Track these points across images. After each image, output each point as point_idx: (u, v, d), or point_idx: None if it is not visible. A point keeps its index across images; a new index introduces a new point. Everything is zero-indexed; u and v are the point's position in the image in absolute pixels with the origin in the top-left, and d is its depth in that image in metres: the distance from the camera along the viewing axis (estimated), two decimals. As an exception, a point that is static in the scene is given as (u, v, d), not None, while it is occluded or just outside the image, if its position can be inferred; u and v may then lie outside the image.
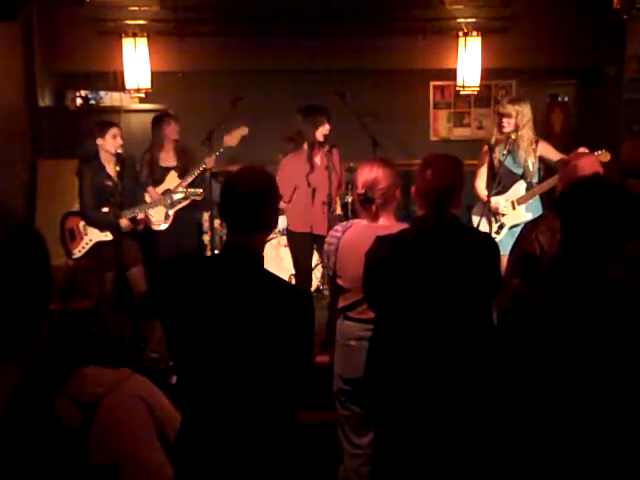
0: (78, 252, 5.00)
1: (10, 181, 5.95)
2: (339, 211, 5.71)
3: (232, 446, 2.12)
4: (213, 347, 2.11)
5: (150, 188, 5.28)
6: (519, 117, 4.63)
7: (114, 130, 4.90)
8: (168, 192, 5.20)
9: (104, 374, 2.71)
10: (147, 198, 5.26)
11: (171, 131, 5.29)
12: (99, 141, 4.89)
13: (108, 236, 4.91)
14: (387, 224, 2.98)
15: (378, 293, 2.66)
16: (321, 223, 4.69)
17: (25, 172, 6.27)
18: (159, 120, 5.36)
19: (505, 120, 4.64)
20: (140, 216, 5.04)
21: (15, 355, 1.08)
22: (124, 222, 4.90)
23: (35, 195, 6.22)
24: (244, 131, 5.25)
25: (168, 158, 5.35)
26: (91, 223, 4.97)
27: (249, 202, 2.14)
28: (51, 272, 1.13)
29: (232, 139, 5.23)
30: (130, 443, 2.60)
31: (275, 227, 2.31)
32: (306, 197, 4.75)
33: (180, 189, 5.15)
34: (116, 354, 2.83)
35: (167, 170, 5.31)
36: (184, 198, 5.15)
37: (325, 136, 4.72)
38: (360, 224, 3.05)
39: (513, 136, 4.60)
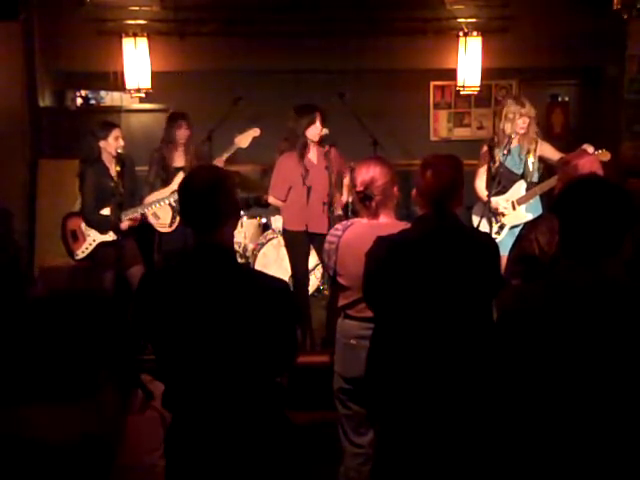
0: (81, 253, 5.01)
1: (10, 181, 5.95)
2: (339, 211, 5.71)
3: (221, 443, 2.14)
4: (199, 350, 2.12)
5: (156, 189, 5.24)
6: (532, 112, 4.65)
7: (116, 132, 4.91)
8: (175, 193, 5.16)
9: None
10: (151, 198, 5.22)
11: (181, 135, 5.22)
12: (102, 143, 4.90)
13: (111, 236, 4.92)
14: (387, 222, 2.99)
15: (379, 293, 2.66)
16: (318, 222, 4.69)
17: (25, 172, 6.26)
18: (172, 120, 5.28)
19: (522, 120, 4.63)
20: (137, 215, 5.03)
21: (77, 398, 1.13)
22: (125, 225, 4.91)
23: (35, 195, 6.22)
24: (256, 132, 5.20)
25: (178, 158, 5.28)
26: (91, 225, 4.97)
27: (204, 198, 2.15)
28: (114, 336, 1.24)
29: (244, 140, 5.18)
30: (139, 448, 2.61)
31: (239, 219, 2.31)
32: (301, 196, 4.75)
33: None
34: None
35: (176, 171, 5.25)
36: None
37: (321, 136, 4.71)
38: (360, 223, 3.06)
39: (513, 136, 4.60)
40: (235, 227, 2.29)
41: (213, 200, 2.15)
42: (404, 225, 2.89)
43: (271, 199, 4.94)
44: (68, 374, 1.14)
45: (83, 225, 4.99)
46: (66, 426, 1.14)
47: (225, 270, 2.18)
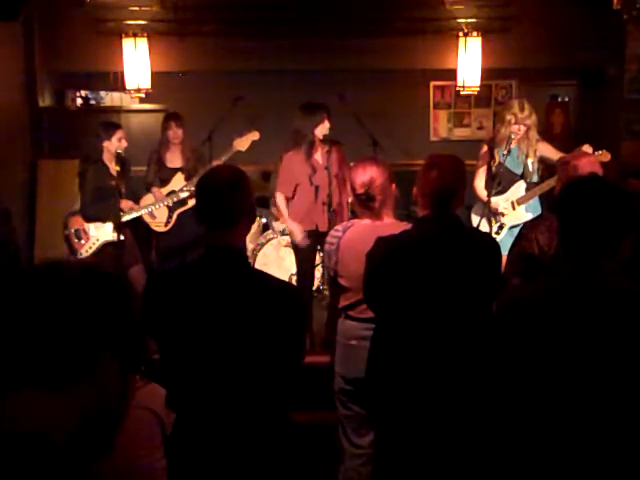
0: (85, 252, 5.03)
1: (10, 181, 5.96)
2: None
3: (226, 445, 2.13)
4: (207, 351, 2.12)
5: (155, 188, 5.28)
6: (532, 119, 4.63)
7: (120, 133, 4.96)
8: (173, 193, 5.20)
9: None
10: (148, 198, 5.26)
11: (172, 135, 5.28)
12: (105, 143, 4.93)
13: (114, 237, 4.93)
14: (389, 222, 2.99)
15: (379, 294, 2.66)
16: (324, 222, 4.69)
17: (25, 172, 6.27)
18: (164, 121, 5.36)
19: (517, 126, 4.60)
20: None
21: (75, 380, 1.09)
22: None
23: (35, 195, 6.22)
24: (255, 136, 5.20)
25: (175, 159, 5.34)
26: (88, 219, 4.99)
27: (224, 195, 2.14)
28: (115, 310, 1.18)
29: (242, 143, 5.18)
30: (135, 450, 2.60)
31: (253, 222, 2.30)
32: (309, 195, 4.75)
33: (185, 189, 5.15)
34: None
35: (174, 171, 5.29)
36: (189, 197, 5.15)
37: (325, 135, 4.71)
38: (360, 223, 3.05)
39: (513, 137, 4.60)
40: (248, 230, 2.28)
41: (232, 198, 2.14)
42: (406, 226, 2.88)
43: (279, 197, 4.88)
44: (66, 354, 1.11)
45: (86, 225, 5.01)
46: (63, 413, 1.10)
47: (237, 272, 2.17)
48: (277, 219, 5.96)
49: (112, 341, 1.15)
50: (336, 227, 3.18)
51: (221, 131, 5.36)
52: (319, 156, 4.81)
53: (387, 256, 2.60)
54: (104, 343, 1.14)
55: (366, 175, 2.95)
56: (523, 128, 4.63)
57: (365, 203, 2.98)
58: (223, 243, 2.15)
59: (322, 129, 4.69)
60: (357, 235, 2.99)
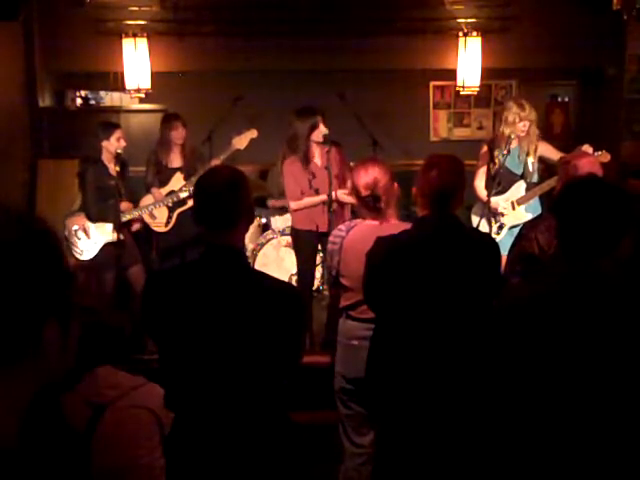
0: (85, 252, 5.03)
1: (10, 181, 5.95)
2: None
3: (224, 445, 2.13)
4: (206, 351, 2.12)
5: (154, 189, 5.28)
6: (532, 114, 4.65)
7: (119, 132, 4.95)
8: (172, 193, 5.20)
9: (120, 377, 2.70)
10: (148, 199, 5.27)
11: (177, 135, 5.26)
12: (104, 143, 4.93)
13: (114, 237, 4.94)
14: (393, 223, 2.98)
15: (379, 294, 2.66)
16: (325, 222, 4.69)
17: (25, 172, 6.26)
18: (167, 121, 5.32)
19: (522, 123, 4.61)
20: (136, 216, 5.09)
21: (12, 361, 0.97)
22: (135, 226, 5.01)
23: (35, 195, 6.22)
24: (253, 134, 5.19)
25: (174, 159, 5.33)
26: (93, 218, 4.99)
27: (223, 196, 2.14)
28: (55, 273, 1.04)
29: (241, 142, 5.17)
30: (134, 450, 2.59)
31: (251, 222, 2.30)
32: (309, 196, 4.76)
33: (184, 189, 5.15)
34: (123, 352, 2.82)
35: (173, 171, 5.29)
36: (188, 197, 5.15)
37: (324, 136, 4.70)
38: (363, 224, 3.05)
39: (513, 136, 4.60)
40: (247, 230, 2.28)
41: (231, 198, 2.14)
42: (408, 227, 2.88)
43: (292, 204, 4.88)
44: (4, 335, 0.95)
45: (87, 225, 5.01)
46: (7, 406, 0.96)
47: (236, 272, 2.17)
48: (276, 209, 5.95)
49: (48, 304, 1.01)
50: (339, 227, 3.18)
51: (221, 131, 5.36)
52: (318, 159, 4.80)
53: (387, 256, 2.60)
54: (41, 311, 0.99)
55: (369, 176, 2.94)
56: (528, 124, 4.65)
57: (371, 205, 2.97)
58: (222, 243, 2.15)
59: (318, 134, 4.67)
60: (360, 235, 2.98)
